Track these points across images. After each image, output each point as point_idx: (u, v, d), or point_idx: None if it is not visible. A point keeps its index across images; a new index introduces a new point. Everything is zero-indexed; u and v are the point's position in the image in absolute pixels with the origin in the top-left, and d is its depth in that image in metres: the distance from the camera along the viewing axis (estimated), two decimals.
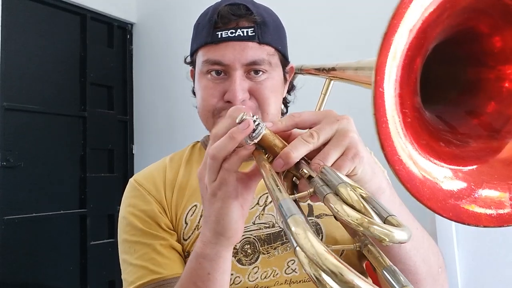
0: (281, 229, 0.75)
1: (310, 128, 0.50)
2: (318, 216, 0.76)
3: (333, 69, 0.63)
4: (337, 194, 0.36)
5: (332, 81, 0.71)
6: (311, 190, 0.41)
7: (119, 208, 0.83)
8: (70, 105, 2.46)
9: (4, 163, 2.10)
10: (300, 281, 0.74)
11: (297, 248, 0.32)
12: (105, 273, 2.43)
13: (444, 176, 0.37)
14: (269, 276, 0.73)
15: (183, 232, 0.77)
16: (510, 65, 0.40)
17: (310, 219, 0.76)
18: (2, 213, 2.06)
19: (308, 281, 0.74)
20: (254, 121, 0.49)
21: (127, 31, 2.82)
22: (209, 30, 0.73)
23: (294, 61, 0.84)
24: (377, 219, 0.34)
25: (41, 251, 2.21)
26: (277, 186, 0.42)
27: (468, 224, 0.36)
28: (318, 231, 0.76)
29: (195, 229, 0.77)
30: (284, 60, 0.80)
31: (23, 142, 2.20)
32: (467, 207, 0.36)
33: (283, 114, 0.89)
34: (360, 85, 0.50)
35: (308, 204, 0.77)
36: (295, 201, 0.44)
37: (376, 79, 0.33)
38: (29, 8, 2.29)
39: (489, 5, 0.37)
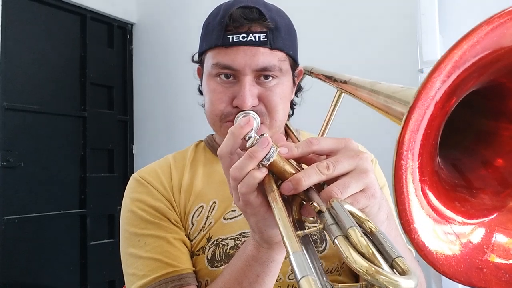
0: None
1: (326, 155, 0.49)
2: None
3: (345, 82, 0.62)
4: (347, 237, 0.37)
5: (343, 94, 0.70)
6: (321, 226, 0.42)
7: (119, 208, 0.82)
8: (70, 105, 2.46)
9: (4, 163, 2.10)
10: None
11: None
12: (105, 273, 2.43)
13: (458, 234, 0.38)
14: None
15: (189, 233, 0.77)
16: None
17: (314, 226, 0.76)
18: (2, 213, 2.06)
19: None
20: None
21: (127, 31, 2.82)
22: (219, 33, 0.71)
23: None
24: (385, 266, 0.35)
25: (41, 251, 2.21)
26: (288, 233, 0.41)
27: None
28: (322, 239, 0.76)
29: (201, 230, 0.77)
30: (294, 64, 0.79)
31: (23, 142, 2.19)
32: (477, 271, 0.37)
33: (289, 116, 0.88)
34: (372, 108, 0.49)
35: None
36: (305, 236, 0.44)
37: (398, 152, 0.34)
38: (29, 8, 2.29)
39: None
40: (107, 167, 2.62)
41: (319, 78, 0.78)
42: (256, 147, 0.48)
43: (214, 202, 0.78)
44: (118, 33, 2.77)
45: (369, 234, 0.41)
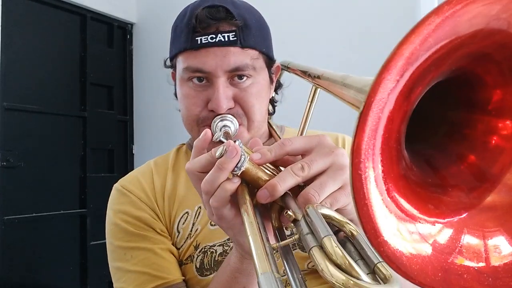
0: None
1: (301, 155, 0.48)
2: None
3: (319, 77, 0.58)
4: (322, 247, 0.35)
5: (318, 89, 0.67)
6: (297, 237, 0.40)
7: None
8: (70, 105, 2.46)
9: (4, 163, 2.10)
10: None
11: None
12: (105, 273, 2.40)
13: (430, 233, 0.35)
14: None
15: (176, 241, 0.75)
16: (502, 119, 0.38)
17: (290, 238, 0.75)
18: (2, 213, 2.06)
19: None
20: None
21: (127, 31, 2.82)
22: (187, 35, 0.69)
23: (293, 60, 0.82)
24: (363, 276, 0.33)
25: (41, 251, 2.21)
26: (258, 251, 0.39)
27: None
28: None
29: (187, 237, 0.75)
30: (269, 61, 0.76)
31: (23, 142, 2.19)
32: (457, 277, 0.33)
33: (270, 114, 0.86)
34: (345, 103, 0.46)
35: None
36: (282, 247, 0.42)
37: (353, 161, 0.30)
38: (29, 8, 2.29)
39: (502, 56, 0.35)
40: (107, 167, 2.62)
41: (295, 73, 0.75)
42: (225, 157, 0.45)
43: (200, 207, 0.76)
44: (118, 33, 2.77)
45: (350, 238, 0.39)
